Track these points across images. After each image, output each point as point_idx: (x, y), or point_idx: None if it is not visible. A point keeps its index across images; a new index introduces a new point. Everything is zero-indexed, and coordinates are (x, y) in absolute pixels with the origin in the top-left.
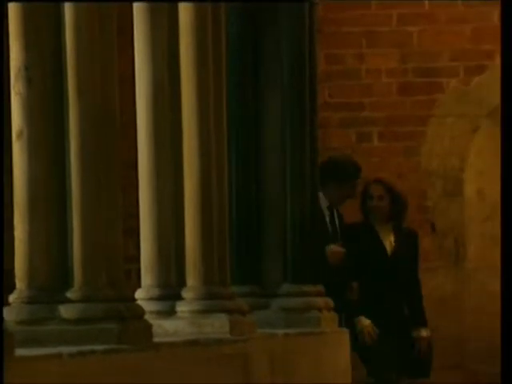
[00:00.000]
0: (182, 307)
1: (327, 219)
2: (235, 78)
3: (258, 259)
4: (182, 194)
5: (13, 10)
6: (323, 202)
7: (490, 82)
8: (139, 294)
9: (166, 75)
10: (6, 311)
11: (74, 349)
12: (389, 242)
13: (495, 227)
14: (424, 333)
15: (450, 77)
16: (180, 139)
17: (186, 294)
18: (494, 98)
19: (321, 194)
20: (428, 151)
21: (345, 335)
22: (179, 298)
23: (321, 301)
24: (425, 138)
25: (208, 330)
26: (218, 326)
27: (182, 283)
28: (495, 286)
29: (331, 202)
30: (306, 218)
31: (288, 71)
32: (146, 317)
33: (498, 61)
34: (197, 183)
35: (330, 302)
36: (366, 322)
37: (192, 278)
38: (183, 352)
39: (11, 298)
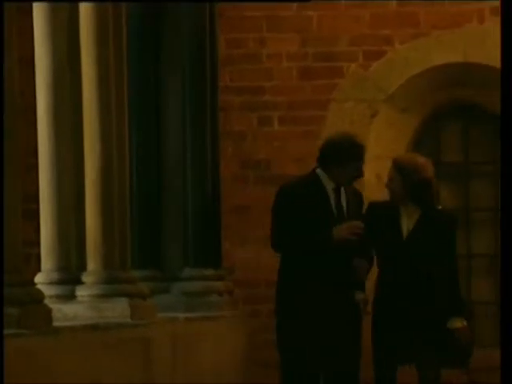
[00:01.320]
0: (82, 291)
1: (332, 202)
2: (136, 62)
3: (159, 244)
4: (83, 177)
5: None
6: (328, 184)
7: (389, 67)
8: (39, 279)
9: (65, 59)
10: None
11: None
12: (407, 224)
13: None
14: (457, 324)
15: (349, 61)
16: (81, 123)
17: (87, 278)
18: (393, 83)
19: (325, 176)
20: (328, 135)
21: (245, 318)
22: (79, 282)
23: (221, 285)
24: (325, 123)
25: (108, 315)
26: (118, 310)
27: (82, 267)
28: None
29: (337, 183)
30: (208, 203)
31: (189, 55)
32: (46, 301)
33: (396, 46)
34: (98, 167)
35: (231, 286)
36: (360, 295)
37: (92, 263)
38: (83, 336)
39: None
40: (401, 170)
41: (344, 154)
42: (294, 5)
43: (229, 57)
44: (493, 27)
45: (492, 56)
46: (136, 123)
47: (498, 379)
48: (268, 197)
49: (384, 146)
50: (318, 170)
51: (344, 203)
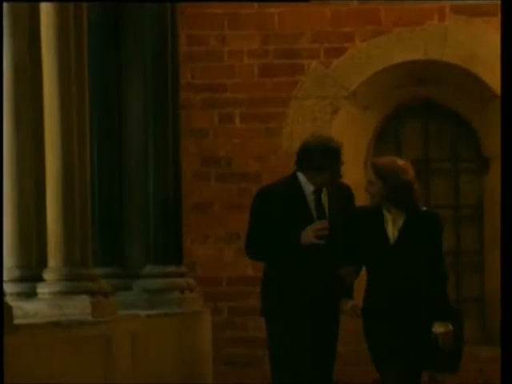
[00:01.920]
0: (43, 289)
1: (312, 204)
2: (97, 60)
3: (120, 241)
4: (44, 175)
5: None
6: (308, 187)
7: (350, 65)
8: None
9: (26, 56)
10: None
11: None
12: (392, 228)
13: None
14: (441, 328)
15: (310, 58)
16: (41, 121)
17: (47, 275)
18: (354, 80)
19: (305, 179)
20: (289, 133)
21: (207, 315)
22: (40, 279)
23: (183, 281)
24: (286, 120)
25: (69, 312)
26: (79, 307)
27: (43, 264)
28: None
29: (316, 185)
30: (169, 200)
31: (150, 52)
32: (7, 299)
33: (357, 43)
34: (59, 163)
35: (192, 283)
36: (349, 303)
37: (53, 260)
38: (44, 334)
39: None
40: (380, 173)
41: (319, 158)
42: (255, 2)
43: (190, 54)
44: (453, 25)
45: (452, 54)
46: (97, 121)
47: (478, 375)
48: (229, 194)
49: (345, 143)
50: (299, 173)
51: (326, 204)
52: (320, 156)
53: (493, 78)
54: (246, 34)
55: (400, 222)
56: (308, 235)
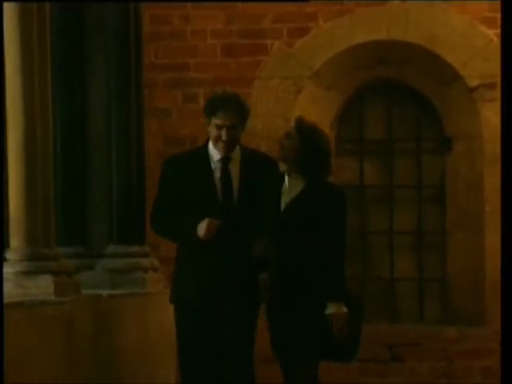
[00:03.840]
0: (6, 269)
1: (217, 174)
2: (60, 38)
3: (83, 220)
4: (5, 152)
5: None
6: (215, 154)
7: (313, 44)
8: None
9: None
10: None
11: None
12: (286, 196)
13: None
14: (332, 309)
15: (273, 39)
16: (3, 96)
17: (10, 255)
18: (317, 60)
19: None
20: (253, 113)
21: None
22: (3, 259)
23: (146, 261)
24: (250, 100)
25: (32, 292)
26: (42, 287)
27: (5, 244)
28: None
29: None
30: (132, 179)
31: (113, 31)
32: None
33: (320, 23)
34: (20, 142)
35: (156, 263)
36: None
37: (16, 240)
38: (7, 314)
39: None
40: (305, 131)
41: (207, 106)
42: None
43: (153, 34)
44: (415, 6)
45: (414, 34)
46: (60, 100)
47: (416, 354)
48: None
49: None
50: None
51: (236, 174)
52: (208, 104)
53: (455, 58)
54: (210, 13)
55: (296, 190)
56: (201, 230)
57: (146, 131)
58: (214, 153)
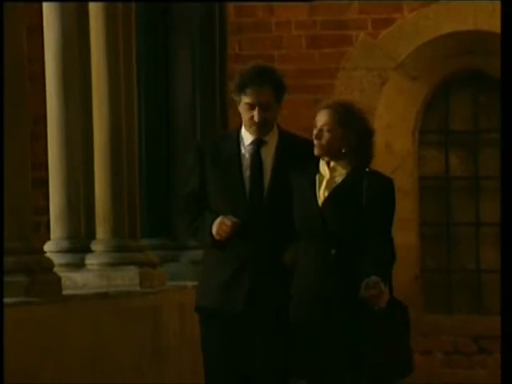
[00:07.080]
0: (91, 260)
1: (246, 160)
2: (145, 31)
3: (168, 212)
4: (92, 146)
5: None
6: (247, 138)
7: (398, 35)
8: (49, 247)
9: (74, 26)
10: None
11: None
12: (324, 187)
13: (403, 179)
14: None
15: (358, 29)
16: (89, 91)
17: (96, 246)
18: (402, 50)
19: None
20: None
21: None
22: (89, 250)
23: None
24: (334, 91)
25: (118, 283)
26: (127, 278)
27: (91, 236)
28: (407, 238)
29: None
30: None
31: (198, 23)
32: (56, 269)
33: (405, 13)
34: (106, 134)
35: None
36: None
37: (102, 231)
38: (93, 305)
39: None
40: (345, 117)
41: (236, 83)
42: None
43: (238, 25)
44: None
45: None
46: (145, 93)
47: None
48: None
49: (394, 114)
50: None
51: (268, 162)
52: (237, 80)
53: None
54: (294, 5)
55: (335, 179)
56: (213, 230)
57: (231, 124)
58: (246, 136)
